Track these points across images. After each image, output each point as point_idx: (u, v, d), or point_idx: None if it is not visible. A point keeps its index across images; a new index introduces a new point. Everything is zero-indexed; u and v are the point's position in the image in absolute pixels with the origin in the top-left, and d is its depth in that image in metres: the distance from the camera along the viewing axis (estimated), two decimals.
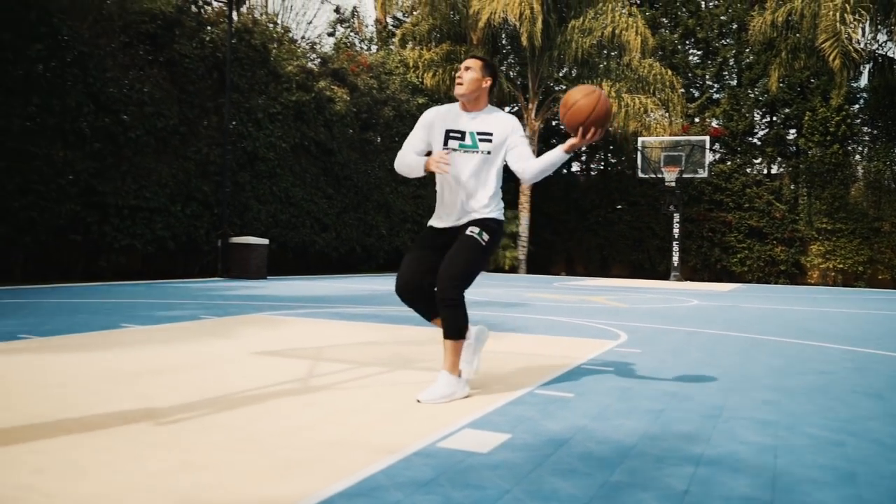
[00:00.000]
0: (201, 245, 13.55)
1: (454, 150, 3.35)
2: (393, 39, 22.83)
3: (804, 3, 18.26)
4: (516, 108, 22.55)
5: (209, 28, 14.10)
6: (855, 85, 20.87)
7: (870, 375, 4.29)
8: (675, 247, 19.97)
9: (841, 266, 20.70)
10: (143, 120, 12.26)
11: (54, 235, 11.07)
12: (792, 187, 21.93)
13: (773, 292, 14.91)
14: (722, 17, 22.91)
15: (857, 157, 21.35)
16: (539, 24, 18.62)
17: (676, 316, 8.02)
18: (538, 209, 22.61)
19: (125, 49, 12.38)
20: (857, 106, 21.25)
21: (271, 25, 17.21)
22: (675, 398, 3.42)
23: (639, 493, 2.06)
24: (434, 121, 3.42)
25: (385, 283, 13.00)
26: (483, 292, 11.27)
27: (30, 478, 2.03)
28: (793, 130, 22.15)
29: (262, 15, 19.99)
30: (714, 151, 22.38)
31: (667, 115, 20.80)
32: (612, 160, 24.61)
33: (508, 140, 3.37)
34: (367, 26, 25.42)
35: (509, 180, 23.08)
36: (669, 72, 20.62)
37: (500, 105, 21.33)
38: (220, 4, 14.15)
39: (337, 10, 24.32)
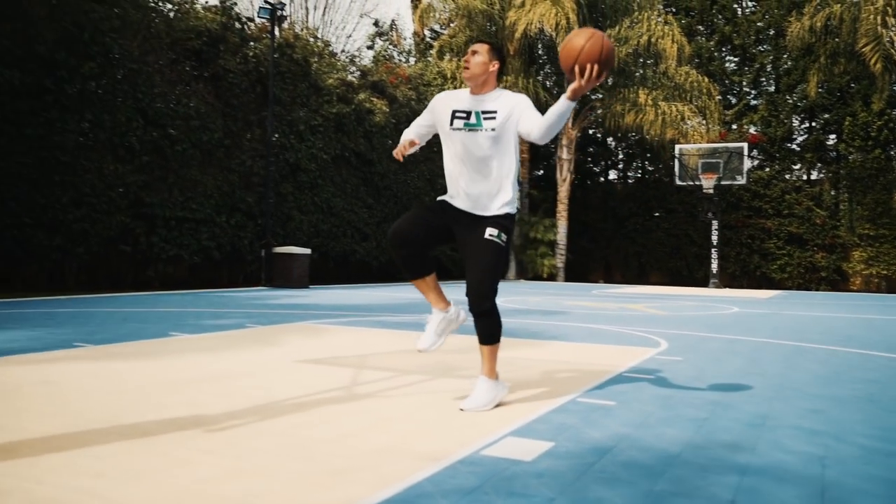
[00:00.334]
0: (245, 255, 13.80)
1: (460, 129, 3.33)
2: (431, 51, 22.98)
3: (843, 8, 17.93)
4: None
5: (252, 43, 14.40)
6: None
7: None
8: (714, 254, 19.69)
9: (885, 272, 20.18)
10: (190, 133, 12.57)
11: (105, 246, 11.40)
12: (832, 193, 21.49)
13: (815, 299, 14.60)
14: (759, 24, 22.59)
15: None
16: None
17: (717, 323, 7.92)
18: (576, 217, 22.52)
19: (172, 65, 12.73)
20: None
21: (312, 40, 17.48)
22: (718, 406, 3.39)
23: (684, 502, 2.07)
24: (441, 103, 3.44)
25: None
26: (522, 300, 11.26)
27: (90, 482, 2.11)
28: (832, 136, 21.71)
29: (303, 30, 20.36)
30: (752, 158, 22.05)
31: (704, 122, 20.57)
32: (650, 168, 24.42)
33: (513, 113, 3.27)
34: (405, 39, 25.67)
35: (548, 189, 23.16)
36: (706, 79, 20.41)
37: None
38: (263, 20, 14.43)
39: (376, 24, 24.65)
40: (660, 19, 20.10)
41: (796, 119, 22.26)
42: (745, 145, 19.91)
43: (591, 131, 24.43)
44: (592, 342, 5.94)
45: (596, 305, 10.73)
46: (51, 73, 10.50)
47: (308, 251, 13.70)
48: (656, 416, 3.17)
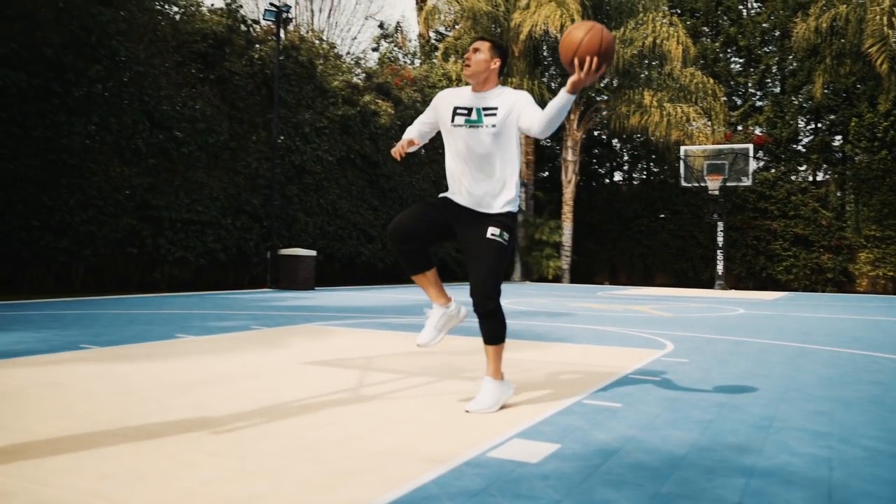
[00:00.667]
0: (251, 257, 13.84)
1: (461, 126, 3.32)
2: (436, 53, 23.01)
3: (849, 9, 17.89)
4: None
5: (258, 46, 14.45)
6: None
7: None
8: (720, 255, 19.65)
9: (891, 274, 20.10)
10: (195, 136, 12.60)
11: (112, 248, 11.43)
12: (838, 194, 21.42)
13: (821, 301, 14.55)
14: (764, 25, 22.54)
15: None
16: None
17: (723, 325, 7.90)
18: (581, 219, 22.51)
19: (178, 68, 12.77)
20: None
21: (317, 42, 17.52)
22: (724, 408, 3.38)
23: None
24: (442, 100, 3.44)
25: None
26: (528, 302, 11.25)
27: (95, 483, 2.12)
28: (838, 137, 21.64)
29: (308, 32, 20.40)
30: (758, 159, 22.00)
31: (709, 123, 20.54)
32: (655, 169, 24.40)
33: (514, 109, 3.26)
34: (410, 41, 25.69)
35: (553, 190, 23.15)
36: (711, 80, 20.38)
37: None
38: (269, 23, 14.47)
39: (381, 26, 24.67)
40: (665, 20, 20.08)
41: (802, 120, 22.20)
42: (750, 146, 19.87)
43: (596, 133, 24.41)
44: (598, 344, 5.93)
45: (601, 307, 10.72)
46: (58, 75, 10.54)
47: (313, 253, 13.72)
48: (662, 417, 3.17)
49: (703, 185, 19.85)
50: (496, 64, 3.35)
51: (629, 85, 20.61)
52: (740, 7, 23.11)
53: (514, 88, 3.60)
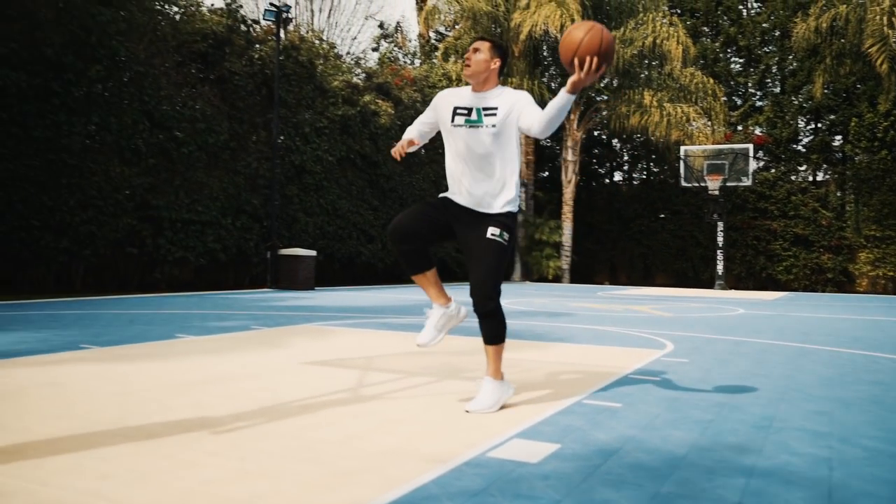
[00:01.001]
0: (251, 257, 13.84)
1: (461, 125, 3.32)
2: (436, 53, 23.01)
3: (849, 8, 17.89)
4: None
5: (258, 46, 14.45)
6: None
7: None
8: (720, 255, 19.65)
9: (891, 274, 20.11)
10: (195, 136, 12.60)
11: (112, 248, 11.44)
12: (838, 194, 21.42)
13: (821, 300, 14.55)
14: (764, 25, 22.54)
15: None
16: None
17: (723, 325, 7.90)
18: (581, 219, 22.51)
19: (178, 68, 12.77)
20: None
21: (317, 42, 17.52)
22: (724, 408, 3.39)
23: None
24: (443, 100, 3.44)
25: None
26: (528, 302, 11.25)
27: (95, 483, 2.12)
28: (838, 137, 21.65)
29: (308, 32, 20.41)
30: (758, 159, 22.00)
31: (709, 123, 20.54)
32: (655, 169, 24.41)
33: (514, 109, 3.26)
34: (410, 41, 25.69)
35: (553, 190, 23.15)
36: (711, 80, 20.39)
37: None
38: (269, 23, 14.47)
39: (381, 26, 24.67)
40: (665, 20, 20.07)
41: (802, 120, 22.20)
42: (750, 146, 19.87)
43: (596, 133, 24.41)
44: (598, 344, 5.93)
45: (601, 307, 10.72)
46: (58, 75, 10.54)
47: (313, 253, 13.72)
48: (662, 417, 3.17)
49: (703, 185, 19.85)
50: (496, 64, 3.35)
51: (629, 85, 20.61)
52: (740, 7, 23.11)
53: (514, 88, 3.60)
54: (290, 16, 14.22)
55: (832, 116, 21.54)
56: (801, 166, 22.01)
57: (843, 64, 19.04)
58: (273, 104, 13.93)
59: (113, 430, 2.73)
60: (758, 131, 22.25)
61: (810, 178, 22.06)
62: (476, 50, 3.34)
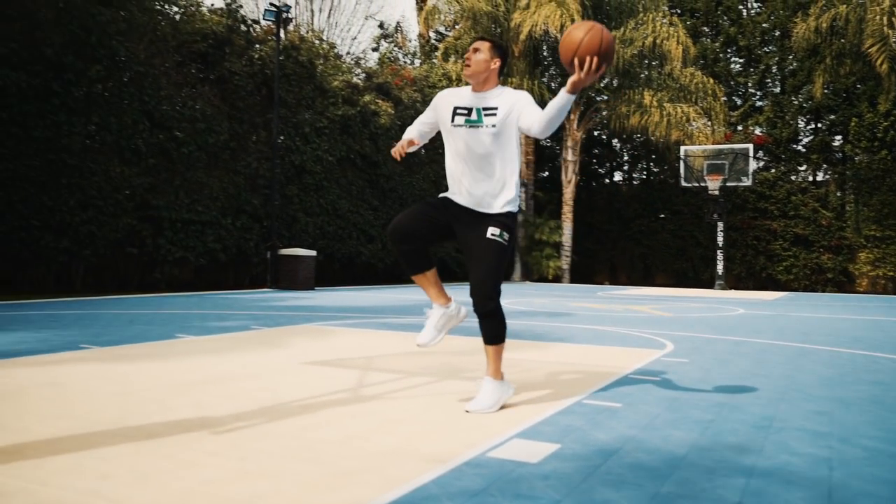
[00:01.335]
0: (251, 257, 13.84)
1: (461, 126, 3.32)
2: (436, 53, 23.01)
3: (849, 9, 17.89)
4: None
5: (258, 46, 14.45)
6: None
7: None
8: (720, 255, 19.65)
9: (891, 274, 20.11)
10: (195, 136, 12.60)
11: (112, 249, 11.43)
12: (838, 194, 21.43)
13: (821, 300, 14.55)
14: (764, 25, 22.55)
15: None
16: None
17: (723, 325, 7.90)
18: (581, 219, 22.51)
19: (178, 68, 12.77)
20: None
21: (317, 42, 17.52)
22: (724, 408, 3.39)
23: None
24: (443, 100, 3.45)
25: None
26: (528, 302, 11.25)
27: (96, 483, 2.12)
28: (838, 137, 21.65)
29: (308, 32, 20.41)
30: (758, 159, 22.01)
31: (709, 123, 20.55)
32: (655, 169, 24.41)
33: (514, 109, 3.26)
34: (410, 41, 25.69)
35: (553, 190, 23.15)
36: (711, 80, 20.39)
37: None
38: (269, 23, 14.47)
39: (381, 26, 24.68)
40: (665, 20, 20.08)
41: (802, 120, 22.21)
42: (750, 146, 19.87)
43: (596, 133, 24.41)
44: (598, 344, 5.93)
45: (601, 307, 10.72)
46: (58, 75, 10.54)
47: (313, 253, 13.73)
48: (662, 417, 3.17)
49: (703, 185, 19.85)
50: (496, 64, 3.35)
51: (629, 85, 20.61)
52: (740, 7, 23.11)
53: (514, 88, 3.60)
54: (290, 16, 14.22)
55: (832, 116, 21.54)
56: (801, 166, 22.02)
57: (843, 64, 19.04)
58: (273, 104, 13.93)
59: (113, 430, 2.73)
60: (758, 131, 22.26)
61: (810, 178, 22.07)
62: (476, 50, 3.34)
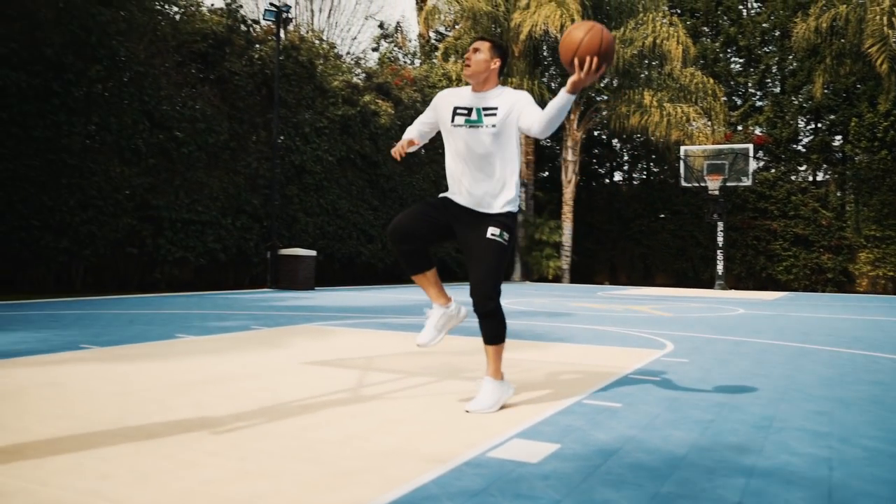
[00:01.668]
0: (251, 257, 13.84)
1: (461, 126, 3.32)
2: (436, 53, 23.01)
3: (849, 9, 17.89)
4: None
5: (258, 46, 14.45)
6: None
7: None
8: (720, 255, 19.66)
9: (891, 274, 20.11)
10: (195, 136, 12.60)
11: (112, 249, 11.43)
12: (838, 194, 21.43)
13: (821, 300, 14.55)
14: (764, 25, 22.55)
15: None
16: None
17: (723, 325, 7.90)
18: (581, 219, 22.51)
19: (178, 68, 12.77)
20: None
21: (317, 42, 17.52)
22: (724, 408, 3.39)
23: None
24: (443, 100, 3.45)
25: None
26: (528, 302, 11.25)
27: (95, 483, 2.12)
28: (838, 137, 21.66)
29: (308, 32, 20.40)
30: (758, 159, 22.01)
31: (709, 123, 20.55)
32: (655, 169, 24.41)
33: (514, 109, 3.26)
34: (410, 41, 25.69)
35: (553, 190, 23.15)
36: (711, 80, 20.39)
37: None
38: (269, 23, 14.47)
39: (381, 26, 24.68)
40: (665, 20, 20.08)
41: (802, 120, 22.21)
42: (750, 146, 19.87)
43: (596, 133, 24.41)
44: (598, 344, 5.93)
45: (601, 307, 10.72)
46: (58, 75, 10.54)
47: (313, 253, 13.73)
48: (662, 417, 3.17)
49: (703, 185, 19.85)
50: (496, 64, 3.35)
51: (629, 85, 20.61)
52: (740, 7, 23.11)
53: (514, 88, 3.60)
54: (290, 16, 14.22)
55: (832, 116, 21.54)
56: (801, 166, 22.02)
57: (843, 64, 19.05)
58: (273, 104, 13.93)
59: (113, 430, 2.73)
60: (758, 131, 22.26)
61: (810, 178, 22.07)
62: (476, 50, 3.34)
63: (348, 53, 23.86)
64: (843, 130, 21.37)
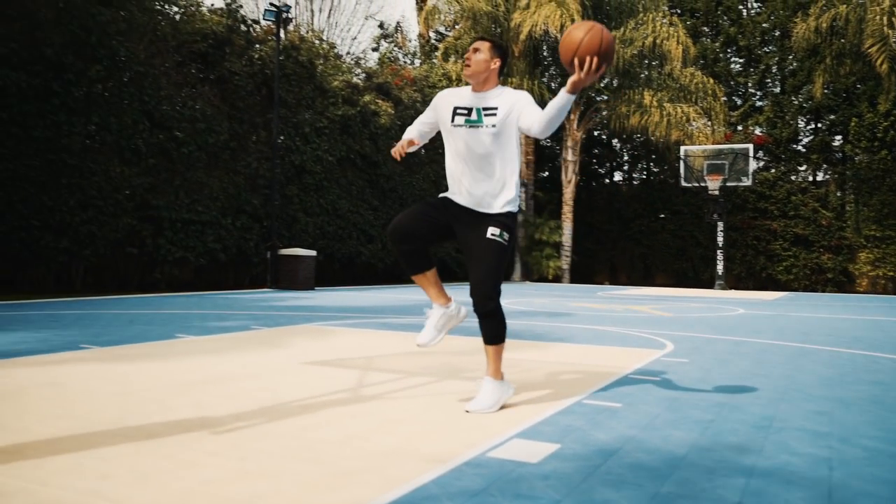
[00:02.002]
0: (251, 257, 13.84)
1: (461, 126, 3.32)
2: (436, 53, 23.01)
3: (849, 8, 17.90)
4: None
5: (258, 46, 14.45)
6: None
7: None
8: (720, 255, 19.66)
9: (891, 274, 20.11)
10: (195, 136, 12.60)
11: (112, 249, 11.44)
12: (838, 194, 21.44)
13: (821, 300, 14.55)
14: (764, 25, 22.55)
15: None
16: None
17: (723, 325, 7.90)
18: (581, 219, 22.51)
19: (178, 68, 12.77)
20: None
21: (317, 42, 17.52)
22: (724, 408, 3.39)
23: None
24: (443, 100, 3.45)
25: None
26: (528, 302, 11.25)
27: (95, 483, 2.12)
28: (838, 137, 21.66)
29: (308, 32, 20.41)
30: (758, 159, 22.01)
31: (709, 123, 20.55)
32: (655, 169, 24.41)
33: (514, 109, 3.26)
34: (410, 41, 25.69)
35: (553, 190, 23.15)
36: (711, 80, 20.40)
37: None
38: (269, 23, 14.47)
39: (381, 26, 24.67)
40: (665, 21, 20.08)
41: (802, 120, 22.21)
42: (750, 146, 19.88)
43: (596, 133, 24.41)
44: (598, 344, 5.93)
45: (601, 307, 10.72)
46: (58, 75, 10.54)
47: (313, 253, 13.73)
48: (662, 417, 3.17)
49: (703, 185, 19.86)
50: (496, 64, 3.35)
51: (629, 85, 20.61)
52: (740, 7, 23.11)
53: (514, 88, 3.60)
54: (290, 16, 14.22)
55: (832, 116, 21.55)
56: (801, 166, 22.02)
57: (843, 64, 19.05)
58: (273, 104, 13.93)
59: (113, 430, 2.73)
60: (758, 131, 22.26)
61: (810, 178, 22.07)
62: (476, 50, 3.35)
63: (348, 53, 23.87)
64: (843, 130, 21.37)
